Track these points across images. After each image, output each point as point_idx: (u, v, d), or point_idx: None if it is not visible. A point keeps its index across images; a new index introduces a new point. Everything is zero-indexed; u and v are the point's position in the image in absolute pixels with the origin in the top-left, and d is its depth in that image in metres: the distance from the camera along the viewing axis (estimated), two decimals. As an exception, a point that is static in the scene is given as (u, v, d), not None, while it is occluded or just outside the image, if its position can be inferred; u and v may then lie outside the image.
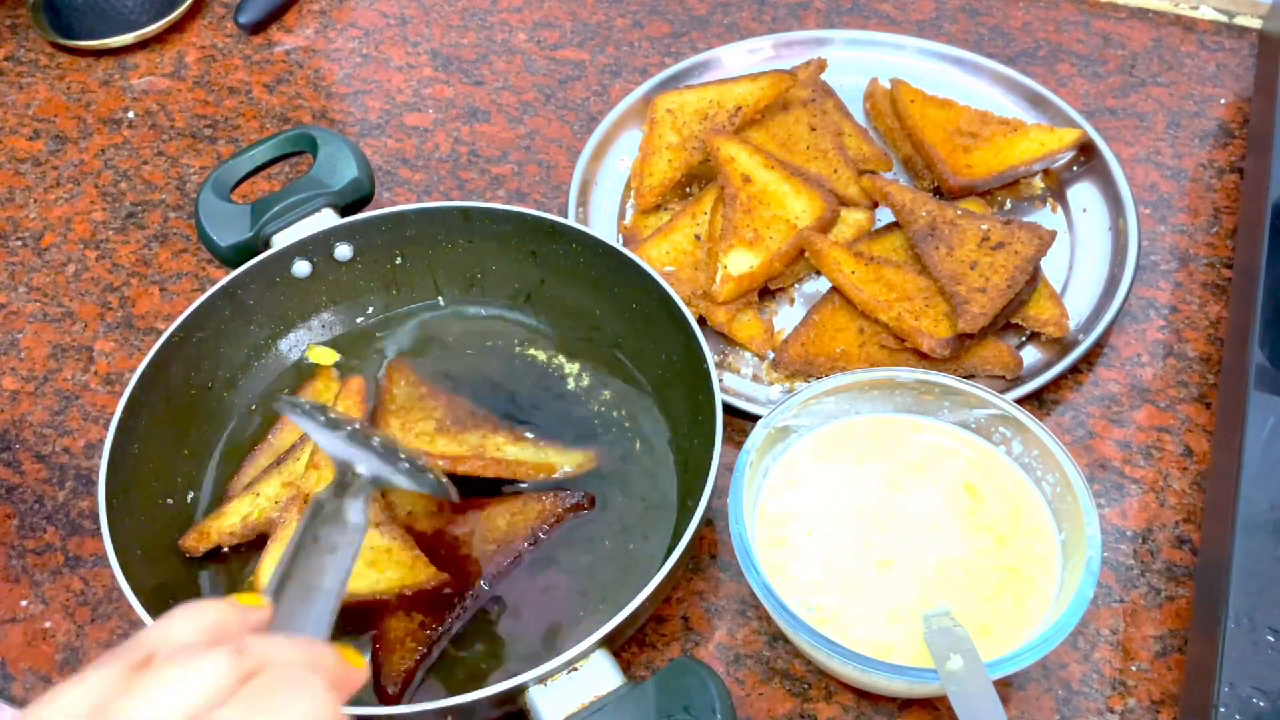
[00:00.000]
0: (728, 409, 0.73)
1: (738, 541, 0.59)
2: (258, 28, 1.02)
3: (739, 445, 0.63)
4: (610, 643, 0.57)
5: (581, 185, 0.85)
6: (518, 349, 0.77)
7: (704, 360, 0.66)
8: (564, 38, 1.00)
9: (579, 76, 0.97)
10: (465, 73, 0.98)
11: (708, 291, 0.76)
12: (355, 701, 0.55)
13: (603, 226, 0.83)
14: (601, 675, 0.56)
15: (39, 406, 0.78)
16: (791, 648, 0.64)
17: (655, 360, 0.72)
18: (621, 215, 0.85)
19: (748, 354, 0.77)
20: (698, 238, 0.80)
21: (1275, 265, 0.71)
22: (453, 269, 0.78)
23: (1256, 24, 0.96)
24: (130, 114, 0.97)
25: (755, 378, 0.76)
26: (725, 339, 0.77)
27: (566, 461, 0.70)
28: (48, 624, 0.67)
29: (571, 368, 0.75)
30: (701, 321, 0.77)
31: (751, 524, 0.62)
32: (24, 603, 0.68)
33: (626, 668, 0.63)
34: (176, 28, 1.03)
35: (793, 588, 0.60)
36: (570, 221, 0.75)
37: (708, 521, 0.69)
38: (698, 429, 0.66)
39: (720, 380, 0.74)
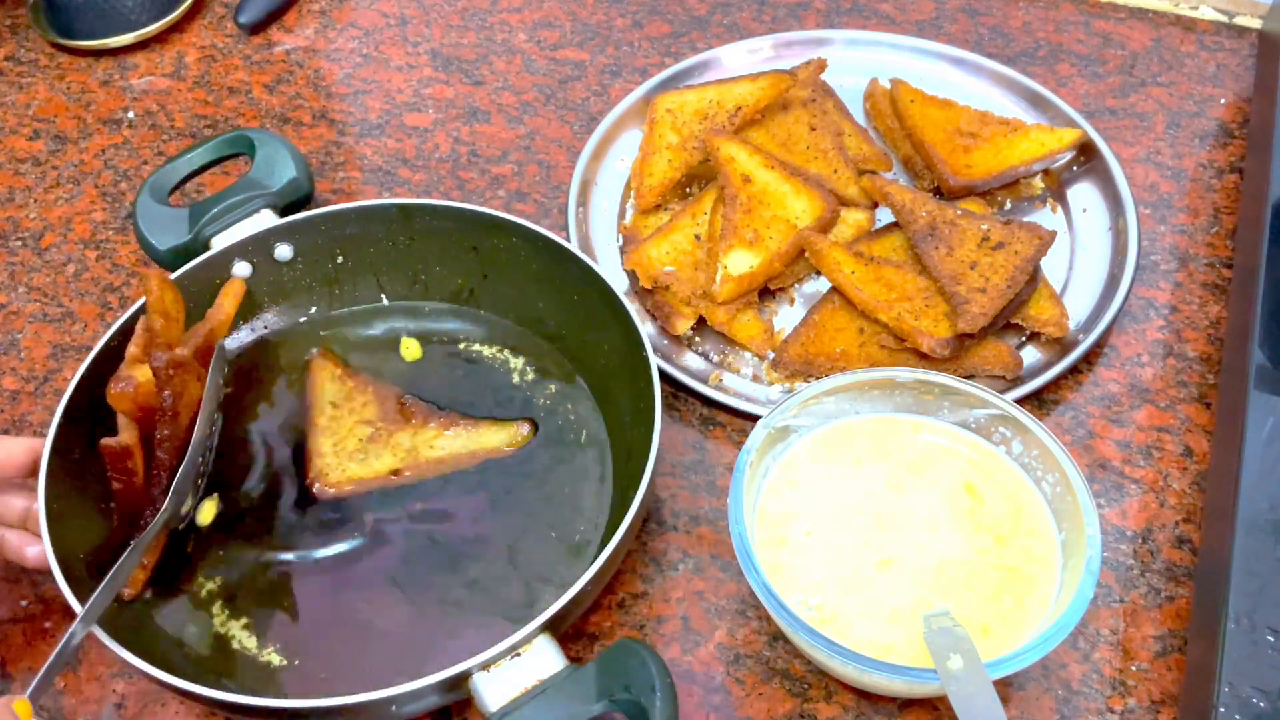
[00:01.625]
0: (728, 409, 0.73)
1: (738, 541, 0.59)
2: (258, 28, 1.02)
3: (739, 445, 0.63)
4: (553, 627, 0.58)
5: (581, 185, 0.85)
6: (462, 345, 0.77)
7: (643, 348, 0.67)
8: (564, 38, 1.00)
9: (579, 76, 0.97)
10: (465, 73, 0.98)
11: (708, 291, 0.76)
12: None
13: (603, 226, 0.84)
14: (544, 659, 0.57)
15: (39, 406, 0.78)
16: (791, 648, 0.64)
17: (598, 351, 0.73)
18: (621, 215, 0.85)
19: (748, 354, 0.77)
20: (698, 238, 0.80)
21: (1275, 265, 0.71)
22: (395, 267, 0.78)
23: (1256, 24, 0.96)
24: (130, 114, 0.97)
25: (755, 378, 0.76)
26: (725, 339, 0.77)
27: (501, 438, 0.72)
28: (48, 624, 0.67)
29: (516, 362, 0.76)
30: (701, 322, 0.77)
31: (751, 524, 0.62)
32: (24, 603, 0.68)
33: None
34: (176, 28, 1.03)
35: (793, 587, 0.60)
36: (509, 215, 0.75)
37: (708, 521, 0.69)
38: (639, 418, 0.67)
39: (720, 380, 0.75)
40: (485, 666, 0.56)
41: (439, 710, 0.61)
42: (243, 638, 0.64)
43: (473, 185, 0.89)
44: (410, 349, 0.76)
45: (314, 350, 0.77)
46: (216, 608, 0.65)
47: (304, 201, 0.78)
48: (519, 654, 0.57)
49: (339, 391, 0.74)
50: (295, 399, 0.74)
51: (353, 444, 0.71)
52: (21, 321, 0.82)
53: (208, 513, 0.69)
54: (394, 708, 0.57)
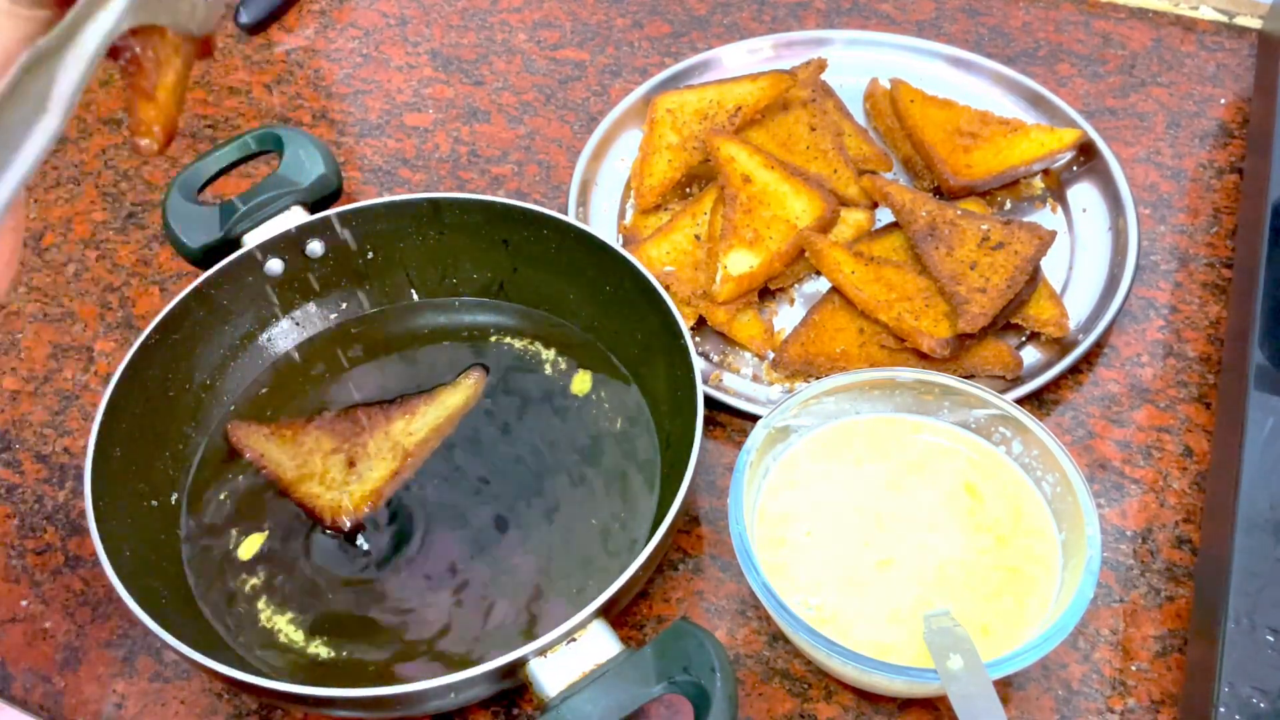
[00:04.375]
0: (728, 409, 0.73)
1: (738, 541, 0.59)
2: (258, 28, 1.02)
3: (739, 445, 0.63)
4: (606, 613, 0.58)
5: (581, 185, 0.85)
6: (493, 338, 0.77)
7: (680, 335, 0.67)
8: (564, 38, 1.00)
9: (579, 76, 0.97)
10: (465, 73, 0.98)
11: (708, 292, 0.76)
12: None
13: (603, 226, 0.83)
14: (600, 644, 0.57)
15: (39, 406, 0.78)
16: (791, 648, 0.64)
17: (631, 340, 0.73)
18: (621, 215, 0.85)
19: (748, 354, 0.77)
20: (697, 238, 0.80)
21: (1275, 265, 0.71)
22: (425, 261, 0.79)
23: (1256, 24, 0.96)
24: (130, 114, 0.97)
25: (755, 378, 0.75)
26: (725, 339, 0.77)
27: (460, 397, 0.73)
28: (48, 624, 0.67)
29: (548, 354, 0.76)
30: (701, 322, 0.77)
31: (751, 524, 0.62)
32: (24, 603, 0.68)
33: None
34: (176, 28, 1.03)
35: (793, 588, 0.60)
36: (539, 208, 0.75)
37: (708, 521, 0.69)
38: (678, 405, 0.67)
39: (720, 380, 0.75)
40: (542, 652, 0.57)
41: (492, 698, 0.62)
42: (289, 631, 0.65)
43: (473, 185, 0.89)
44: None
45: (345, 362, 0.77)
46: (261, 603, 0.66)
47: (333, 198, 0.78)
48: (574, 639, 0.57)
49: (281, 446, 0.73)
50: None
51: (339, 474, 0.71)
52: (21, 321, 0.82)
53: (250, 547, 0.69)
54: (452, 695, 0.57)
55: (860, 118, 0.90)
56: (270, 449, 0.73)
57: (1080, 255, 0.80)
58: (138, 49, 0.45)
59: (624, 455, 0.70)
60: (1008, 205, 0.84)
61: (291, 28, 1.03)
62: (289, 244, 0.75)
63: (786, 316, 0.79)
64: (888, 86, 0.89)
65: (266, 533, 0.69)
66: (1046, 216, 0.83)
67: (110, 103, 0.97)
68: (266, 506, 0.70)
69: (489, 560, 0.67)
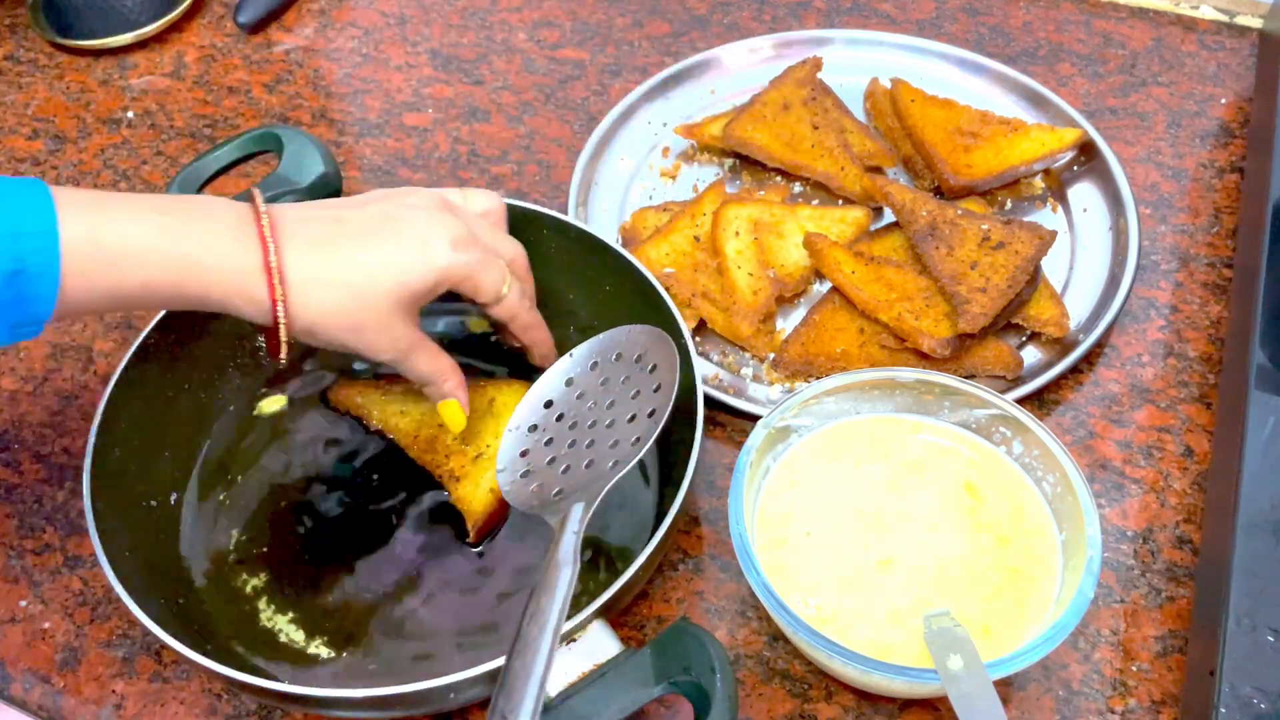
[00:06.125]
0: (728, 409, 0.73)
1: (738, 541, 0.59)
2: (257, 27, 1.02)
3: (739, 445, 0.63)
4: (606, 613, 0.58)
5: (581, 185, 0.85)
6: (494, 338, 0.77)
7: (680, 335, 0.67)
8: (564, 37, 1.00)
9: (579, 76, 0.97)
10: (465, 72, 0.98)
11: (707, 293, 0.76)
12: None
13: (602, 226, 0.83)
14: (600, 644, 0.57)
15: (39, 406, 0.78)
16: (791, 648, 0.64)
17: None
18: (621, 215, 0.85)
19: (748, 354, 0.77)
20: (697, 239, 0.79)
21: (1276, 265, 0.71)
22: None
23: (1257, 24, 0.96)
24: (129, 114, 0.97)
25: (755, 378, 0.75)
26: (725, 339, 0.77)
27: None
28: (47, 624, 0.67)
29: None
30: (702, 324, 0.77)
31: (752, 524, 0.62)
32: (23, 603, 0.68)
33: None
34: (176, 27, 1.03)
35: (793, 588, 0.60)
36: (539, 207, 0.75)
37: (708, 521, 0.69)
38: (678, 406, 0.67)
39: (720, 380, 0.75)
40: None
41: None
42: (289, 631, 0.65)
43: (472, 185, 0.89)
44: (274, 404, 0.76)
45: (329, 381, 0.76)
46: (262, 603, 0.66)
47: (333, 197, 0.78)
48: (574, 639, 0.57)
49: (390, 403, 0.73)
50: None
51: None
52: (21, 321, 0.82)
53: (273, 403, 0.72)
54: (452, 695, 0.57)
55: (861, 117, 0.90)
56: (385, 410, 0.73)
57: (1081, 255, 0.80)
58: None
59: None
60: (1008, 205, 0.84)
61: (291, 27, 1.03)
62: None
63: (787, 316, 0.79)
64: (888, 86, 0.89)
65: (266, 537, 0.69)
66: (1047, 216, 0.83)
67: (110, 102, 0.97)
68: (262, 505, 0.70)
69: (489, 561, 0.67)
